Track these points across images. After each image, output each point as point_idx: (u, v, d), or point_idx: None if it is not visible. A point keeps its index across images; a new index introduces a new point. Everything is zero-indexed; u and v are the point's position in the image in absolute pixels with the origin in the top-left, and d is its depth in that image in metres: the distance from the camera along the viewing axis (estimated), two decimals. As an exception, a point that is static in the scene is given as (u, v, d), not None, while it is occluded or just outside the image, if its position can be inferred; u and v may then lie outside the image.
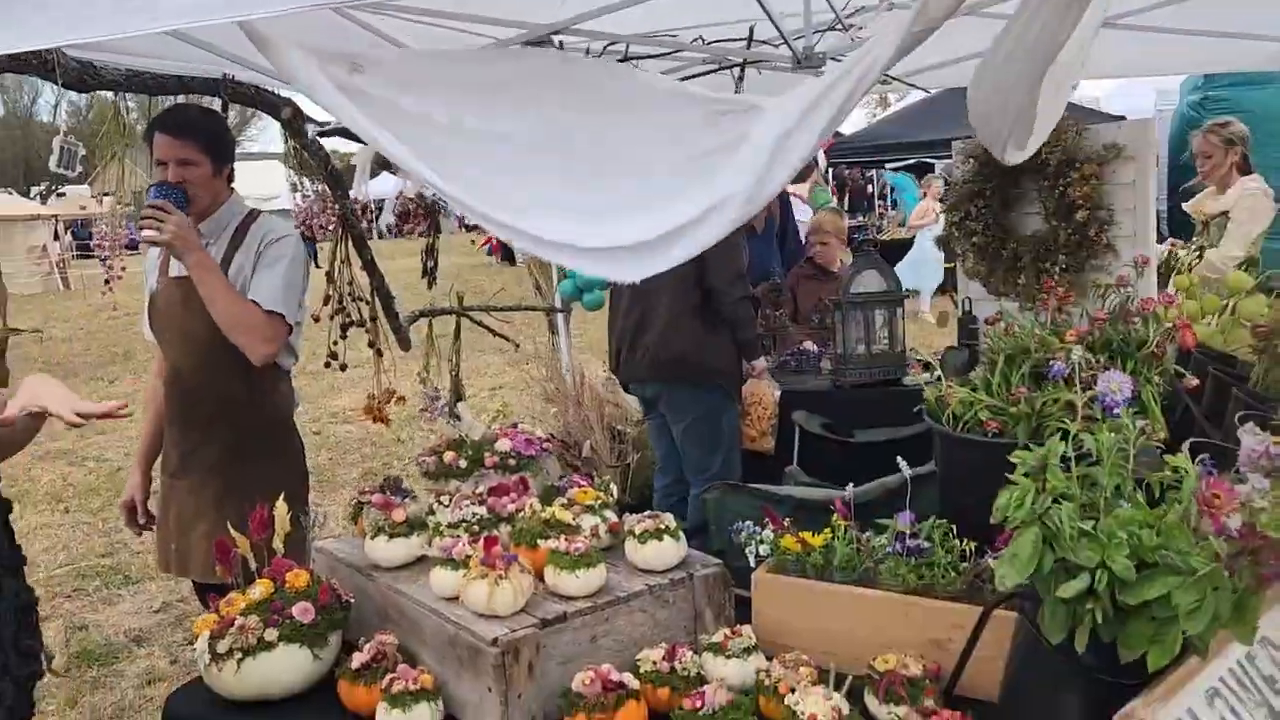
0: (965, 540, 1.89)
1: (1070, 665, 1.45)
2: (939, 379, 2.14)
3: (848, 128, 14.99)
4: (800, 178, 10.84)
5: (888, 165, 14.51)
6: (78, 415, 1.75)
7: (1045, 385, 1.93)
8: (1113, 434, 1.48)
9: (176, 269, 2.96)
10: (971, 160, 3.97)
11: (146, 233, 2.73)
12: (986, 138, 2.11)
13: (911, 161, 14.11)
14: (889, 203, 16.93)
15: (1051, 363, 1.80)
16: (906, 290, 4.55)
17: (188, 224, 2.75)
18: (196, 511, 2.83)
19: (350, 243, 3.60)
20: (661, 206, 1.74)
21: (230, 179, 3.04)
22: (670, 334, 3.92)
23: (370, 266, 3.77)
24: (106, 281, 3.37)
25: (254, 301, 2.87)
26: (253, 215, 3.06)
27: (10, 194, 26.83)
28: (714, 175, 1.78)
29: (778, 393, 4.16)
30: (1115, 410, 1.56)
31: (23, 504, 6.37)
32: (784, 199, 6.60)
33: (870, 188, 17.43)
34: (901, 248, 11.95)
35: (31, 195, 30.86)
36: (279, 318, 2.90)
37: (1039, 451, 1.41)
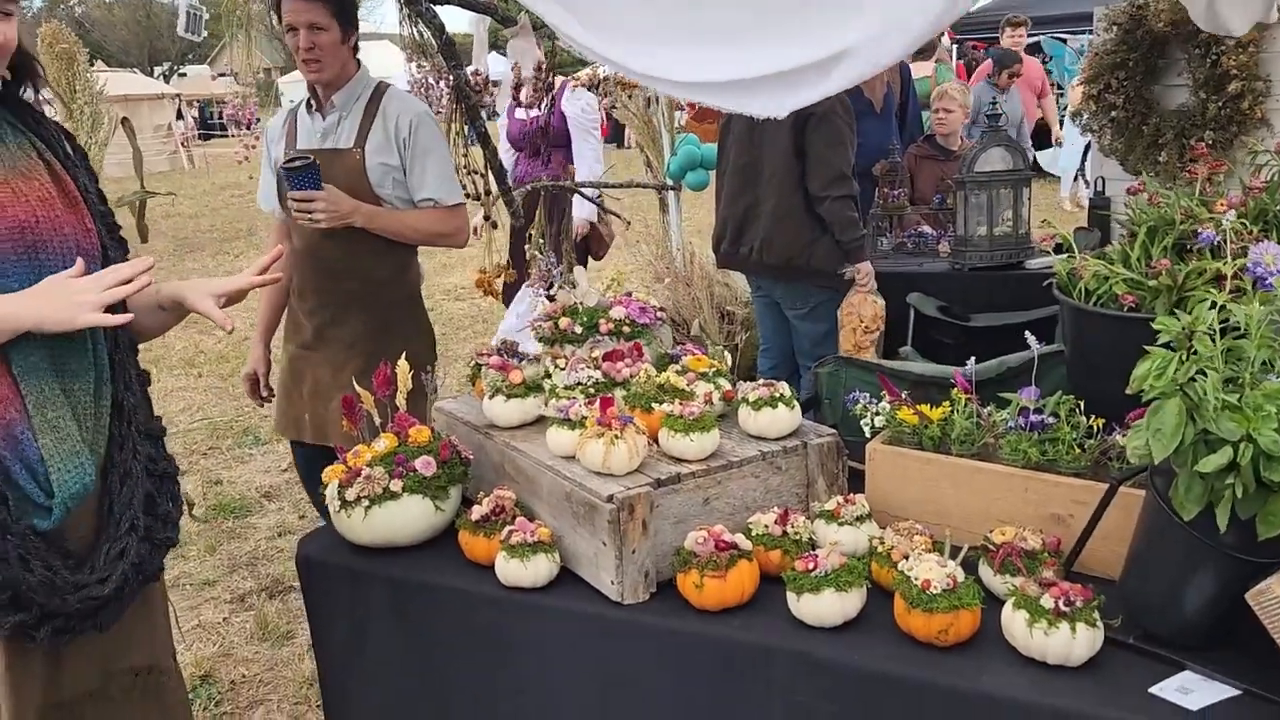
0: (1092, 418, 1.83)
1: (1202, 543, 1.41)
2: (1072, 254, 2.04)
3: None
4: (923, 55, 10.33)
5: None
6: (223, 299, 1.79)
7: (1188, 259, 1.82)
8: (1263, 306, 1.39)
9: (304, 140, 2.99)
10: (1115, 27, 3.71)
11: (301, 223, 2.79)
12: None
13: (1044, 36, 13.28)
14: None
15: (1200, 232, 1.69)
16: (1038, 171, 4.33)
17: (335, 196, 2.79)
18: (335, 384, 2.91)
19: (464, 115, 3.60)
20: (818, 32, 1.65)
21: (355, 49, 3.03)
22: (774, 233, 3.80)
23: (484, 139, 3.77)
24: (246, 159, 3.47)
25: (432, 200, 2.98)
26: (381, 87, 3.07)
27: (135, 73, 27.65)
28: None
29: (881, 304, 3.85)
30: (1268, 282, 1.46)
31: (159, 368, 6.75)
32: (905, 76, 6.30)
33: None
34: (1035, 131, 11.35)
35: (155, 75, 31.75)
36: (459, 207, 3.05)
37: (1185, 319, 1.34)
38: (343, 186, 2.84)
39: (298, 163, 2.74)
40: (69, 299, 1.57)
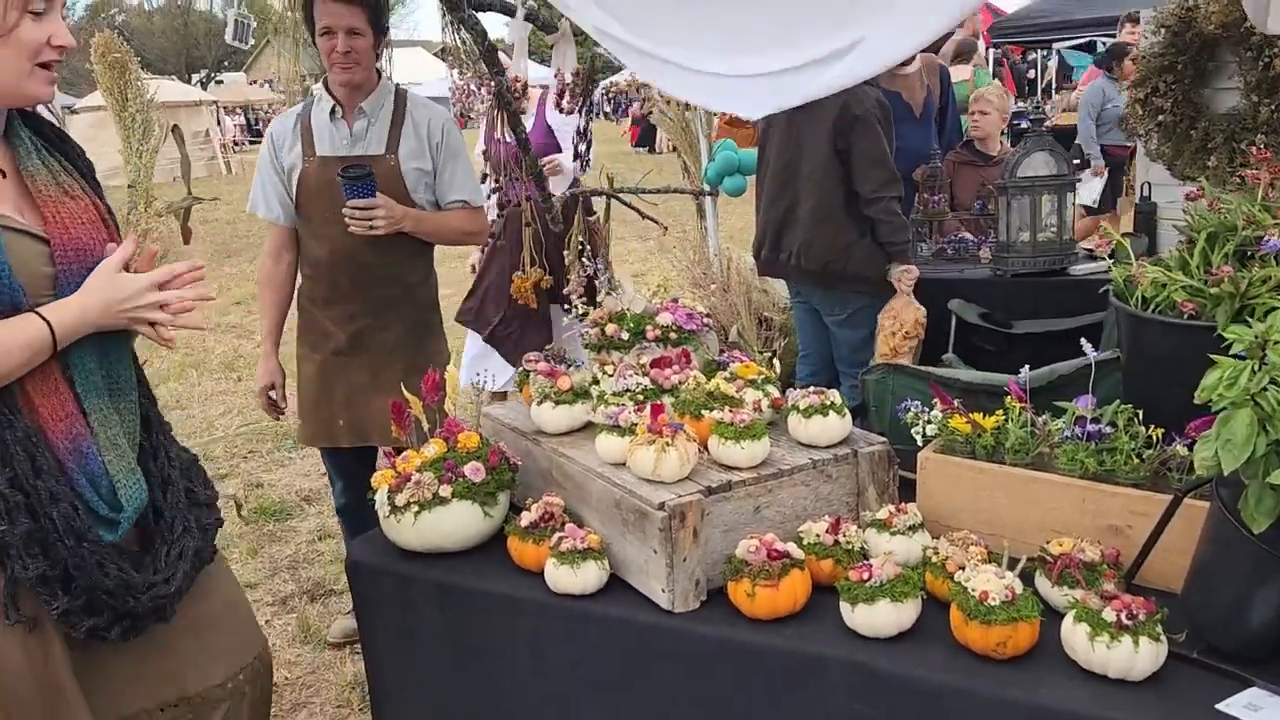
0: (1150, 428, 1.80)
1: (1272, 556, 1.38)
2: (1127, 259, 2.01)
3: (1010, 3, 14.02)
4: (961, 59, 10.24)
5: (1056, 45, 13.56)
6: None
7: (1250, 266, 1.79)
8: (1336, 315, 1.36)
9: (328, 147, 3.00)
10: (1163, 30, 3.66)
11: (358, 231, 2.83)
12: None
13: (1084, 40, 13.15)
14: (1052, 87, 15.86)
15: (1266, 239, 1.66)
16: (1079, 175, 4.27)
17: (389, 203, 2.84)
18: (374, 386, 2.94)
19: (505, 120, 3.62)
20: (808, 37, 1.68)
21: (379, 55, 3.05)
22: (813, 237, 3.76)
23: (524, 145, 3.78)
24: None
25: (463, 201, 3.05)
26: (401, 93, 3.11)
27: (174, 80, 28.02)
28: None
29: (922, 310, 3.76)
30: (1339, 290, 1.43)
31: (199, 371, 6.83)
32: (945, 81, 6.26)
33: (1032, 72, 16.31)
34: (1070, 136, 11.22)
35: (192, 82, 32.14)
36: (480, 207, 3.15)
37: (1258, 328, 1.31)
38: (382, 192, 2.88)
39: (354, 172, 2.78)
40: (127, 305, 1.61)
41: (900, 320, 3.79)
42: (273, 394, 3.16)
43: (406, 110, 3.04)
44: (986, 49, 12.83)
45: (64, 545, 1.55)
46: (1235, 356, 1.35)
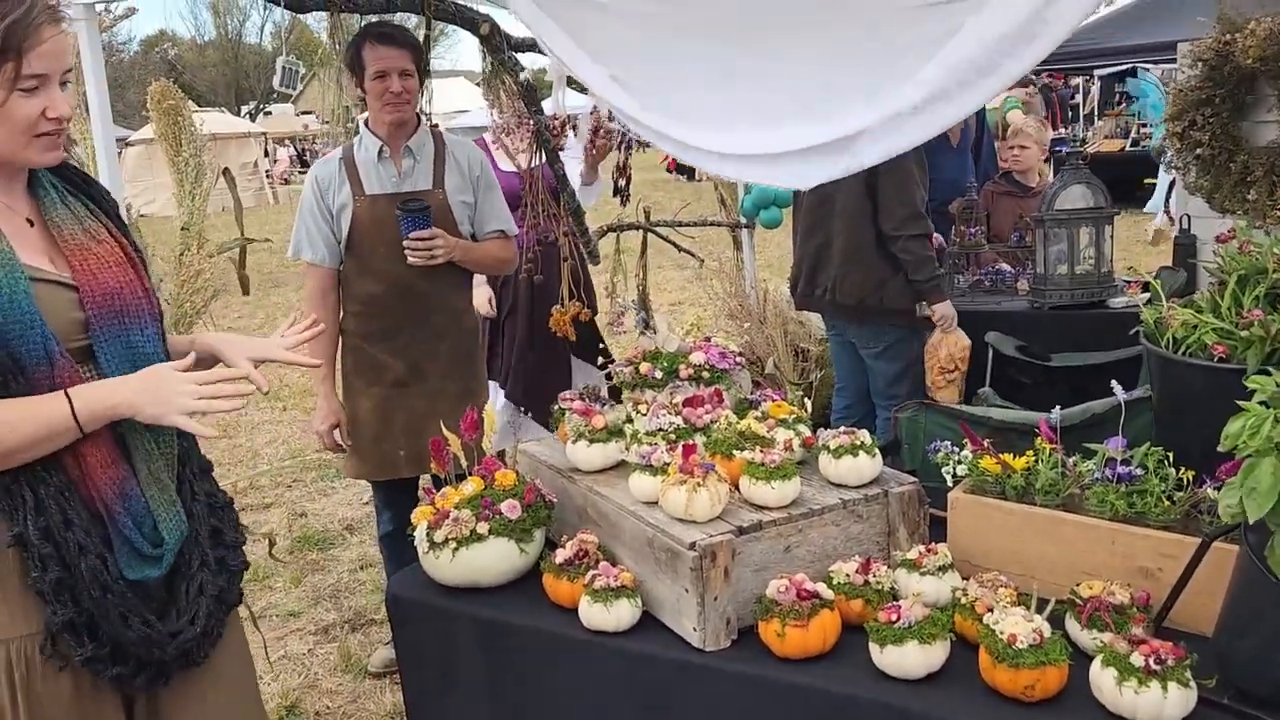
0: (1181, 470, 1.80)
1: (1299, 603, 1.38)
2: (1158, 299, 2.02)
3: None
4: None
5: (1096, 72, 13.47)
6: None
7: (1282, 309, 1.79)
8: (1364, 362, 1.37)
9: (376, 186, 3.10)
10: (1200, 64, 3.65)
11: (417, 262, 2.97)
12: None
13: (1125, 67, 13.06)
14: (1095, 114, 15.74)
15: (1294, 284, 1.67)
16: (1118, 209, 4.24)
17: (445, 236, 3.01)
18: (432, 412, 3.00)
19: (544, 157, 3.69)
20: (839, 110, 1.72)
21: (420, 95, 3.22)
22: (846, 274, 3.77)
23: (562, 180, 3.86)
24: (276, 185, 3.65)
25: (500, 230, 3.24)
26: (437, 132, 3.24)
27: (223, 112, 28.70)
28: (907, 76, 1.74)
29: (966, 344, 3.78)
30: (1368, 336, 1.44)
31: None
32: (979, 112, 6.26)
33: (1076, 96, 16.22)
34: (1112, 164, 11.14)
35: (241, 114, 32.87)
36: (511, 236, 3.32)
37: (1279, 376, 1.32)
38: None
39: (413, 205, 2.94)
40: (168, 395, 1.60)
41: (938, 355, 3.80)
42: (337, 433, 3.22)
43: (447, 148, 3.20)
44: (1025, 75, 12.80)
45: (89, 596, 1.58)
46: (1261, 403, 1.36)
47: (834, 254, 3.83)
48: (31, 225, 1.66)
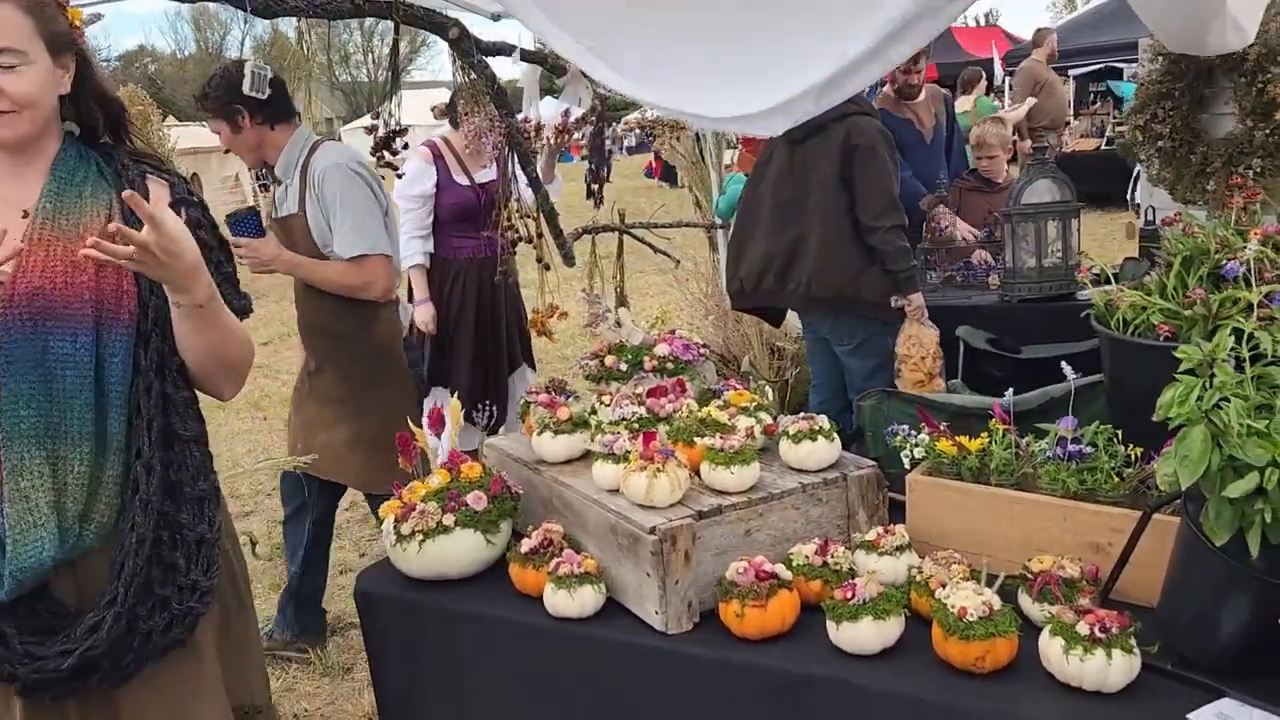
0: (1131, 447, 1.84)
1: (1234, 568, 1.42)
2: (1108, 283, 2.06)
3: (1025, 30, 14.10)
4: (966, 90, 10.31)
5: (1071, 72, 13.61)
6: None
7: (1225, 288, 1.84)
8: (1292, 333, 1.41)
9: (283, 209, 3.22)
10: (1160, 58, 3.71)
11: (253, 269, 3.06)
12: (1168, 35, 2.02)
13: (1099, 66, 13.21)
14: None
15: (1226, 264, 1.71)
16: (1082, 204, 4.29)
17: (256, 244, 3.03)
18: (320, 423, 3.22)
19: (516, 159, 3.72)
20: (793, 69, 1.83)
21: (273, 122, 3.16)
22: (823, 266, 3.75)
23: (535, 183, 3.88)
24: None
25: (343, 253, 3.15)
26: (315, 146, 3.22)
27: (204, 126, 28.58)
28: (844, 36, 1.84)
29: (935, 334, 3.77)
30: (1298, 309, 1.48)
31: (226, 411, 6.96)
32: (950, 108, 6.32)
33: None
34: (1089, 161, 11.23)
35: (224, 128, 32.70)
36: (364, 259, 3.13)
37: (1206, 346, 1.36)
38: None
39: (239, 213, 3.00)
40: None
41: (924, 344, 3.80)
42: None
43: (311, 164, 3.17)
44: (1004, 76, 12.92)
45: None
46: (1191, 373, 1.39)
47: (810, 247, 3.81)
48: (25, 216, 1.64)
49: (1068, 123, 11.48)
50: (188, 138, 21.94)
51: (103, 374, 1.64)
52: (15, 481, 1.57)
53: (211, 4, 3.13)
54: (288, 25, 3.37)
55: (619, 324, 2.41)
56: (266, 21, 2.91)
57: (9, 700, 1.63)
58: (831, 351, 4.08)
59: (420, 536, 2.03)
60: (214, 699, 1.79)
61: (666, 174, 22.13)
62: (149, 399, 1.68)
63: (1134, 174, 8.27)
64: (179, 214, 1.66)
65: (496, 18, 4.14)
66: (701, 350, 2.35)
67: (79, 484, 1.61)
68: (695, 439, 2.02)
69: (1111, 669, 1.48)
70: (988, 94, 10.91)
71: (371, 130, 3.20)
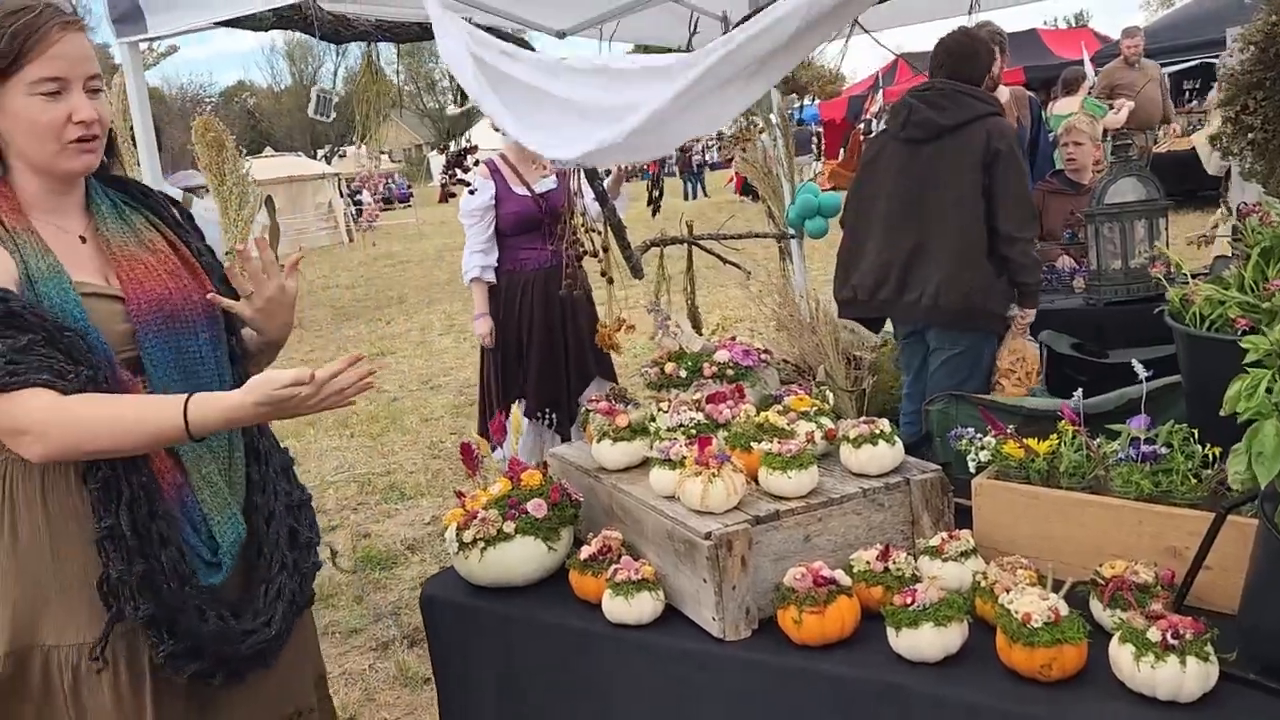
0: (1209, 447, 1.76)
1: (1317, 570, 1.34)
2: (1186, 279, 1.98)
3: (1114, 29, 13.69)
4: (1069, 90, 9.97)
5: (1165, 70, 13.14)
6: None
7: (1309, 279, 1.74)
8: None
9: None
10: (1251, 47, 3.56)
11: None
12: None
13: (1194, 63, 12.74)
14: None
15: (1311, 250, 1.62)
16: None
17: None
18: None
19: (582, 174, 3.76)
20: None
21: None
22: (957, 275, 3.51)
23: (601, 197, 3.92)
24: (365, 229, 3.82)
25: None
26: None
27: (299, 156, 29.64)
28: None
29: (1037, 349, 3.60)
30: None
31: (315, 429, 7.16)
32: (1035, 112, 6.15)
33: (1186, 82, 15.81)
34: (1185, 159, 10.80)
35: (317, 157, 33.93)
36: None
37: (1273, 335, 1.29)
38: None
39: None
40: (292, 409, 1.61)
41: (1026, 360, 3.66)
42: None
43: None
44: (1094, 77, 12.55)
45: (169, 589, 1.61)
46: (1258, 365, 1.32)
47: (937, 255, 3.57)
48: (84, 242, 1.73)
49: (1166, 120, 11.01)
50: (285, 167, 22.83)
51: (220, 364, 1.79)
52: (198, 469, 1.71)
53: (303, 36, 3.22)
54: (384, 55, 3.47)
55: (680, 331, 2.40)
56: (359, 52, 3.01)
57: (137, 693, 1.66)
58: (928, 360, 3.90)
59: (482, 544, 2.05)
60: (312, 661, 2.01)
61: (747, 189, 22.14)
62: (237, 376, 1.82)
63: (1226, 170, 7.95)
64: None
65: (562, 35, 4.20)
66: (762, 356, 2.33)
67: (224, 462, 1.77)
68: (752, 444, 1.99)
69: (1186, 677, 1.40)
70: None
71: (444, 149, 3.27)
